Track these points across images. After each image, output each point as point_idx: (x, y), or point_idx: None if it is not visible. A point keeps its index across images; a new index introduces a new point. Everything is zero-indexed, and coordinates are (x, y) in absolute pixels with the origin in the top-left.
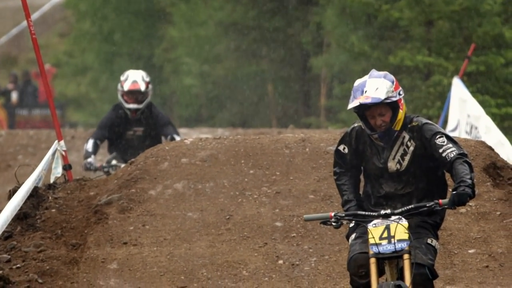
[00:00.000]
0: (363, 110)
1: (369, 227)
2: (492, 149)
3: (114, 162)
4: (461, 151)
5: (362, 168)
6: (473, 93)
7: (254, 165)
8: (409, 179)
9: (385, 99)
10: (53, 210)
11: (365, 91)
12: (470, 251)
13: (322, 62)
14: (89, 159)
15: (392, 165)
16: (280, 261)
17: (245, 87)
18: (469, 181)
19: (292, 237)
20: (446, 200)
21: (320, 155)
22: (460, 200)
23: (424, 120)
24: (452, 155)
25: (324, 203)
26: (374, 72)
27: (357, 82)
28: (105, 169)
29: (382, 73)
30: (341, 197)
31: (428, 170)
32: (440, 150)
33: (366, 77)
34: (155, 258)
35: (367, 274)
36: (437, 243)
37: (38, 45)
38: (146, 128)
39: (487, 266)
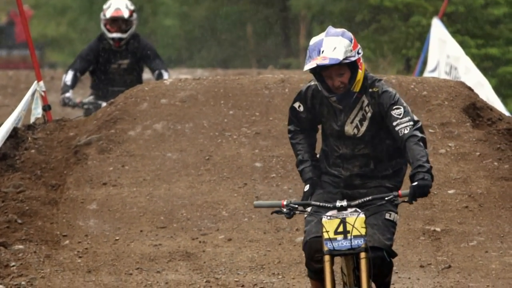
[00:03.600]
0: (319, 70)
1: (323, 219)
2: (472, 90)
3: (91, 98)
4: (417, 126)
5: (318, 127)
6: (453, 34)
7: (234, 106)
8: (366, 143)
9: (344, 59)
10: (33, 151)
11: (322, 51)
12: (449, 192)
13: (301, 3)
14: (67, 94)
15: (349, 129)
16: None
17: (225, 27)
18: (427, 165)
19: (271, 178)
20: (406, 192)
21: None
22: (421, 192)
23: (385, 87)
24: (407, 131)
25: None
26: (331, 29)
27: (313, 40)
28: (85, 106)
29: (339, 30)
30: (295, 156)
31: (386, 136)
32: (395, 123)
33: (322, 35)
34: (135, 199)
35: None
36: (396, 215)
37: None
38: (131, 61)
39: (466, 207)
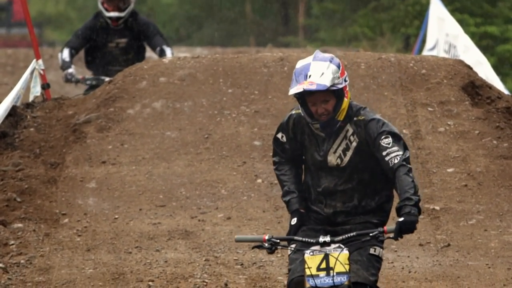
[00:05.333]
0: (303, 95)
1: (305, 255)
2: (471, 68)
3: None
4: (406, 156)
5: (302, 158)
6: (452, 12)
7: (233, 84)
8: (350, 175)
9: (331, 86)
10: (32, 129)
11: (309, 76)
12: (449, 170)
13: None
14: (70, 70)
15: (332, 159)
16: (259, 180)
17: (224, 6)
18: (415, 197)
19: (270, 156)
20: (392, 228)
21: None
22: (407, 229)
23: (371, 115)
24: (396, 161)
25: None
26: (318, 54)
27: (300, 64)
28: (88, 82)
29: (327, 55)
30: (281, 188)
31: (371, 167)
32: (384, 153)
33: (309, 59)
34: (134, 177)
35: None
36: (381, 250)
37: None
38: (130, 39)
39: (465, 185)
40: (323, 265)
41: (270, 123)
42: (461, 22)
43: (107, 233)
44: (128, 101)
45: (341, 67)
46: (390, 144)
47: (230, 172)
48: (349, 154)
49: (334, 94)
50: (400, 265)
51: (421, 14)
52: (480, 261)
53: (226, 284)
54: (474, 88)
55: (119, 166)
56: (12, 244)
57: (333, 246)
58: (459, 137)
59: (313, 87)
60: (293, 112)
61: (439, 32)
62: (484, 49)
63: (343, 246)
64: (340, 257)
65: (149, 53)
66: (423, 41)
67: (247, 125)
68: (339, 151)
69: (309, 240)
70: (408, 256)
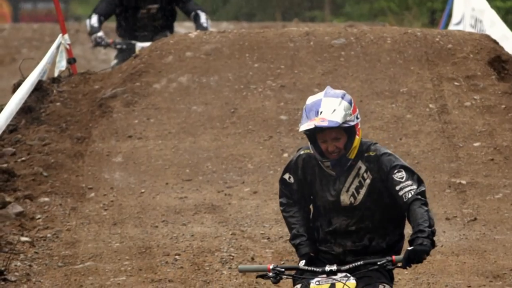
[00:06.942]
0: (314, 132)
1: (311, 285)
2: (497, 43)
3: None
4: (421, 189)
5: (310, 198)
6: None
7: (259, 59)
8: (363, 214)
9: (343, 123)
10: (58, 104)
11: (321, 112)
12: (475, 144)
13: None
14: (99, 33)
15: (345, 198)
16: (285, 154)
17: None
18: (428, 229)
19: (297, 131)
20: (400, 257)
21: (325, 48)
22: (416, 258)
23: (383, 150)
24: (410, 195)
25: None
26: (329, 90)
27: (311, 100)
28: (118, 46)
29: (339, 92)
30: (289, 231)
31: (384, 205)
32: (398, 188)
33: (320, 95)
34: (160, 152)
35: None
36: None
37: None
38: (161, 6)
39: (492, 159)
40: None
41: (296, 98)
42: None
43: (133, 207)
44: (154, 76)
45: (353, 104)
46: (404, 178)
47: (256, 146)
48: (362, 192)
49: (345, 131)
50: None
51: None
52: (507, 235)
53: (252, 258)
54: (500, 62)
55: (146, 140)
56: (39, 218)
57: (339, 275)
58: (485, 112)
59: (325, 124)
60: (302, 152)
61: (465, 7)
62: (510, 24)
63: (349, 275)
64: (347, 285)
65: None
66: (449, 16)
67: (273, 99)
68: (352, 189)
69: (315, 269)
70: None
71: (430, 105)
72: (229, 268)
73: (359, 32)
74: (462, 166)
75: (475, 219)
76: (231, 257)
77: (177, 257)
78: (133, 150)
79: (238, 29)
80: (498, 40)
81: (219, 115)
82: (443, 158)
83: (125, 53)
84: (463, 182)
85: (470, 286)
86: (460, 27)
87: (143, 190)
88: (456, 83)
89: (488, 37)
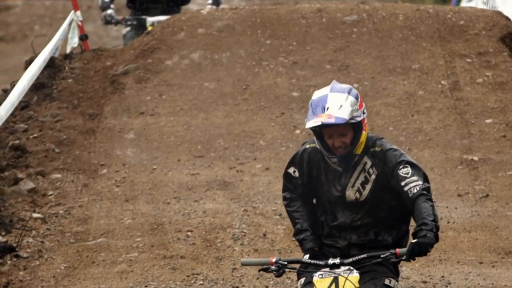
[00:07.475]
0: (320, 128)
1: (314, 278)
2: (509, 19)
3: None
4: (426, 186)
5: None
6: None
7: (271, 35)
8: (368, 210)
9: (350, 119)
10: (70, 80)
11: (327, 108)
12: (487, 121)
13: None
14: (109, 11)
15: (350, 193)
16: (297, 131)
17: None
18: (432, 223)
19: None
20: (404, 250)
21: (337, 25)
22: (420, 250)
23: (388, 145)
24: (416, 191)
25: (340, 73)
26: (336, 84)
27: (317, 95)
28: (128, 22)
29: (345, 86)
30: (293, 226)
31: (390, 200)
32: (403, 183)
33: (326, 90)
34: (172, 128)
35: None
36: (396, 283)
37: None
38: None
39: (504, 136)
40: None
41: (308, 74)
42: None
43: (145, 184)
44: (166, 52)
45: (359, 99)
46: (409, 174)
47: (268, 123)
48: (368, 187)
49: (352, 127)
50: (438, 215)
51: None
52: None
53: (264, 234)
54: None
55: (158, 117)
56: (51, 195)
57: (342, 268)
58: (497, 88)
59: (332, 121)
60: (307, 145)
61: None
62: None
63: (353, 268)
64: (350, 278)
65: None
66: None
67: (285, 76)
68: (357, 184)
69: (318, 262)
70: (447, 207)
71: (442, 82)
72: (241, 244)
73: (371, 9)
74: (474, 143)
75: (487, 195)
76: (243, 234)
77: (189, 233)
78: (145, 127)
79: (250, 6)
80: (510, 17)
81: (231, 91)
82: (455, 135)
83: (137, 24)
84: (475, 158)
85: (482, 263)
86: (472, 4)
87: (155, 167)
88: (468, 60)
89: (500, 13)
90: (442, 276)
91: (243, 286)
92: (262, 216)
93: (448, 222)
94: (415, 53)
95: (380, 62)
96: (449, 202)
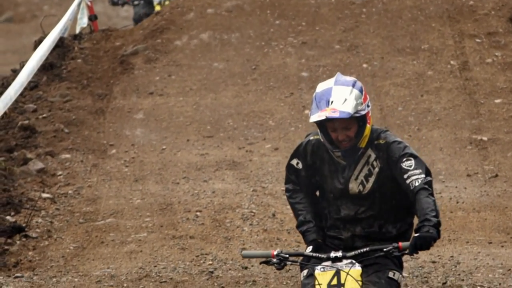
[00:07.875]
0: (324, 120)
1: (316, 271)
2: None
3: None
4: (428, 179)
5: (317, 185)
6: None
7: (280, 16)
8: (372, 202)
9: (354, 113)
10: (79, 60)
11: (331, 102)
12: (496, 101)
13: None
14: None
15: (354, 186)
16: (307, 111)
17: None
18: (434, 219)
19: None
20: (407, 244)
21: (346, 5)
22: (423, 244)
23: (393, 138)
24: (417, 184)
25: (350, 53)
26: (340, 77)
27: (320, 88)
28: (135, 2)
29: (349, 79)
30: (295, 217)
31: (393, 193)
32: (405, 176)
33: (331, 83)
34: (181, 108)
35: None
36: (400, 276)
37: None
38: None
39: None
40: (334, 282)
41: (318, 54)
42: None
43: (154, 164)
44: (176, 33)
45: (363, 92)
46: (412, 167)
47: (277, 103)
48: (371, 180)
49: (356, 120)
50: (447, 195)
51: None
52: None
53: (273, 215)
54: None
55: (167, 97)
56: (60, 175)
57: (344, 261)
58: (506, 68)
59: (336, 115)
60: (311, 137)
61: None
62: None
63: (355, 262)
64: (351, 272)
65: None
66: None
67: (295, 56)
68: (361, 177)
69: (319, 255)
70: (456, 187)
71: (452, 62)
72: (250, 224)
73: None
74: (483, 123)
75: (496, 175)
76: (252, 214)
77: (198, 213)
78: (154, 107)
79: None
80: None
81: (240, 71)
82: (464, 115)
83: (145, 2)
84: (484, 138)
85: (491, 243)
86: None
87: (164, 147)
88: (477, 40)
89: None
90: (451, 256)
91: (252, 266)
92: (271, 196)
93: (457, 202)
94: (424, 33)
95: (389, 42)
96: (458, 182)
